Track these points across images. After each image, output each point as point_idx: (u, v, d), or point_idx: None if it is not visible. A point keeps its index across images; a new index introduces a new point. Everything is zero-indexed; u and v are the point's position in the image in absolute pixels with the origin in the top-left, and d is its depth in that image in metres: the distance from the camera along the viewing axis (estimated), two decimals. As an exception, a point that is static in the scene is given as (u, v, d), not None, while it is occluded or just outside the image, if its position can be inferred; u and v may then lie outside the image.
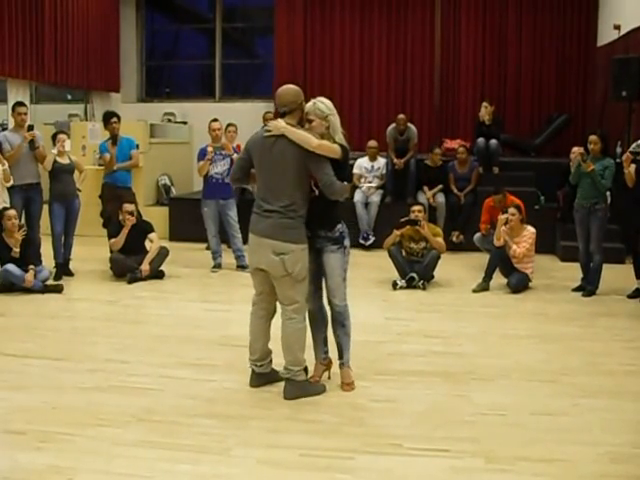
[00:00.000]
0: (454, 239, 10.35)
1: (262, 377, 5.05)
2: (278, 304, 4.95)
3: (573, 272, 8.34)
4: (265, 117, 10.94)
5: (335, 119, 4.77)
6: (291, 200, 4.66)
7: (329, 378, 5.14)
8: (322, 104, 4.76)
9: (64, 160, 8.67)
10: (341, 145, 4.71)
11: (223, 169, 9.06)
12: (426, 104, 13.74)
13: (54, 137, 8.71)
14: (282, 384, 4.93)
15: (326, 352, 5.17)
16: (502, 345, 6.15)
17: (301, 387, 4.89)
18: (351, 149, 4.92)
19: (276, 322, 4.98)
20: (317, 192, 4.72)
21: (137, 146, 9.66)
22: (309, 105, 4.75)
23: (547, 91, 13.34)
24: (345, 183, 4.74)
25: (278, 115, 4.83)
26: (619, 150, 9.95)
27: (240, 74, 15.90)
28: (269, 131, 4.71)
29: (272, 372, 5.08)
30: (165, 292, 8.12)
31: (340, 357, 5.03)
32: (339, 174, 4.68)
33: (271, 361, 5.08)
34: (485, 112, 11.28)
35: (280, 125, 4.67)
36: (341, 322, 4.96)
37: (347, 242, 4.90)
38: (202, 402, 4.77)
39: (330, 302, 4.96)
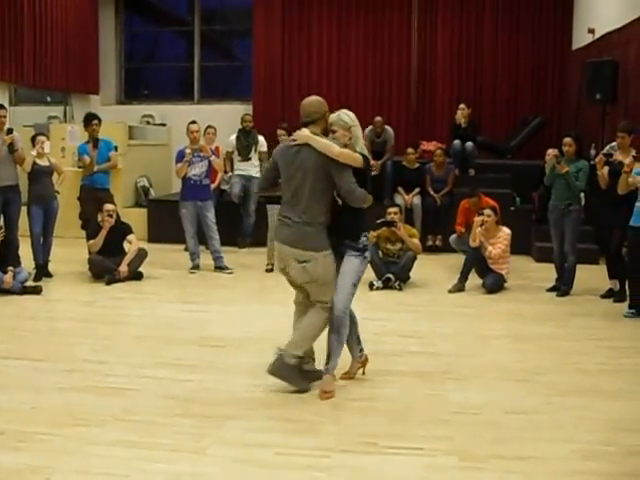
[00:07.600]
0: (431, 243, 10.42)
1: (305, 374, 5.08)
2: None
3: (548, 273, 8.44)
4: (244, 119, 10.99)
5: (357, 130, 4.92)
6: (311, 207, 4.79)
7: (363, 374, 5.25)
8: (346, 116, 4.91)
9: (43, 162, 8.63)
10: (362, 154, 4.86)
11: (201, 171, 9.08)
12: (403, 106, 13.85)
13: (33, 139, 8.66)
14: (261, 385, 5.00)
15: (361, 350, 5.28)
16: (477, 345, 6.23)
17: (285, 370, 4.90)
18: None
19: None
20: (340, 202, 4.86)
21: (116, 148, 9.66)
22: (333, 116, 4.90)
23: (522, 94, 13.46)
24: (364, 191, 4.85)
25: (302, 125, 4.93)
26: (593, 152, 10.04)
27: (219, 76, 15.91)
28: (294, 140, 4.85)
29: (312, 371, 5.11)
30: (144, 293, 8.12)
31: (326, 362, 5.01)
32: (360, 182, 4.81)
33: (313, 361, 5.13)
34: (461, 115, 11.36)
35: (304, 134, 4.82)
36: (337, 328, 4.93)
37: (368, 254, 5.03)
38: (180, 402, 4.79)
39: (333, 304, 4.90)
